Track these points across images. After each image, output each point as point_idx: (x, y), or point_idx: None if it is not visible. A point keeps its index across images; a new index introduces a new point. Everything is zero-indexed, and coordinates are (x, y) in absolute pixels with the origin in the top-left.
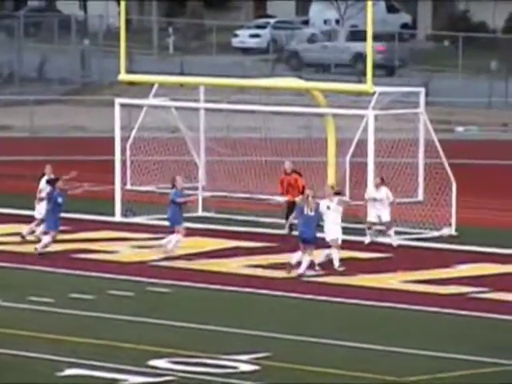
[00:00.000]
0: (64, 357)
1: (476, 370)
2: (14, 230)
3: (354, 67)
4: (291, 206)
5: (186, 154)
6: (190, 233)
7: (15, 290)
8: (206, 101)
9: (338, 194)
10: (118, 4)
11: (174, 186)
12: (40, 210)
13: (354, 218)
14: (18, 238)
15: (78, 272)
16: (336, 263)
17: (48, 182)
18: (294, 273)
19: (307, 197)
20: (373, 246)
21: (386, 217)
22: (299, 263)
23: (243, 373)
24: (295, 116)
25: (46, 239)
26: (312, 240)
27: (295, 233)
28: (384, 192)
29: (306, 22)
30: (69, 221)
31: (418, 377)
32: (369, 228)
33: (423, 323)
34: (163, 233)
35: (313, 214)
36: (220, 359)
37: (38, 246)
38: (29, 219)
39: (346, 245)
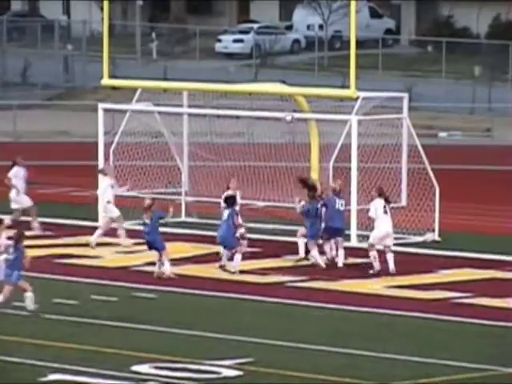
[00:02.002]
0: (47, 362)
1: (461, 375)
2: None
3: None
4: None
5: (169, 159)
6: (173, 238)
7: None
8: (190, 106)
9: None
10: (102, 9)
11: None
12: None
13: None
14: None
15: (61, 277)
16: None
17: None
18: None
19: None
20: (356, 252)
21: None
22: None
23: (226, 378)
24: (279, 121)
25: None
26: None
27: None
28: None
29: (290, 27)
30: (52, 226)
31: (403, 382)
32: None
33: (407, 329)
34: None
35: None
36: (203, 364)
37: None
38: (15, 224)
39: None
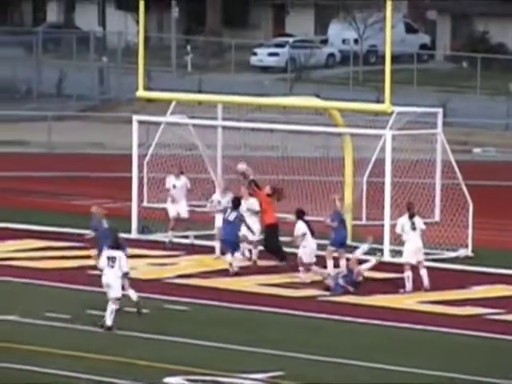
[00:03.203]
0: (81, 373)
1: None
2: (28, 246)
3: None
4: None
5: (203, 171)
6: (206, 250)
7: (32, 307)
8: (224, 119)
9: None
10: (137, 21)
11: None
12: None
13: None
14: (33, 254)
15: (94, 289)
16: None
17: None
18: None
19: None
20: (390, 267)
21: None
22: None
23: None
24: (313, 135)
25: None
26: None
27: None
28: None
29: (325, 42)
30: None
31: None
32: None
33: (439, 344)
34: (179, 250)
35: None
36: (234, 377)
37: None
38: (44, 235)
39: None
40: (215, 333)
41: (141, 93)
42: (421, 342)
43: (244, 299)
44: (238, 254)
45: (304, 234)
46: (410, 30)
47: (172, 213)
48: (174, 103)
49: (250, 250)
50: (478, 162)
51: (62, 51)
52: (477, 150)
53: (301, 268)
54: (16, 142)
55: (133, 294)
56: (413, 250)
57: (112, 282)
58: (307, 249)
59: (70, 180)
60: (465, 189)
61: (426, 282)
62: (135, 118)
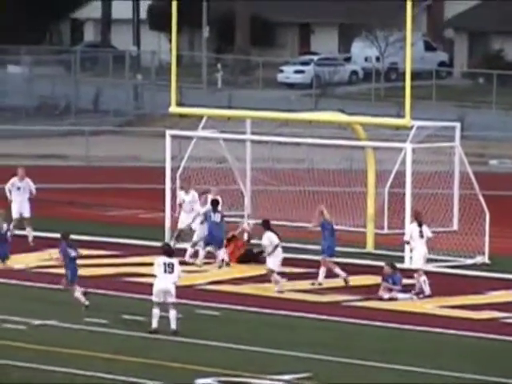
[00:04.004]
0: (116, 375)
1: None
2: None
3: None
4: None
5: (232, 183)
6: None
7: (72, 312)
8: (253, 133)
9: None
10: (170, 41)
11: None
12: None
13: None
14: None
15: (130, 295)
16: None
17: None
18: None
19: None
20: (409, 273)
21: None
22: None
23: None
24: (337, 148)
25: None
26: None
27: None
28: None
29: (348, 59)
30: (121, 246)
31: None
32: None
33: (458, 346)
34: (210, 258)
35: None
36: (263, 379)
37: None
38: (81, 244)
39: (378, 269)
40: (244, 336)
41: (173, 108)
42: (441, 345)
43: (272, 304)
44: (223, 250)
45: (276, 246)
46: (428, 48)
47: (180, 225)
48: (205, 118)
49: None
50: (494, 174)
51: (98, 69)
52: (493, 162)
53: (273, 278)
54: (55, 155)
55: None
56: (422, 256)
57: (170, 287)
58: (277, 258)
59: (105, 191)
60: (482, 199)
61: (426, 287)
62: (168, 132)
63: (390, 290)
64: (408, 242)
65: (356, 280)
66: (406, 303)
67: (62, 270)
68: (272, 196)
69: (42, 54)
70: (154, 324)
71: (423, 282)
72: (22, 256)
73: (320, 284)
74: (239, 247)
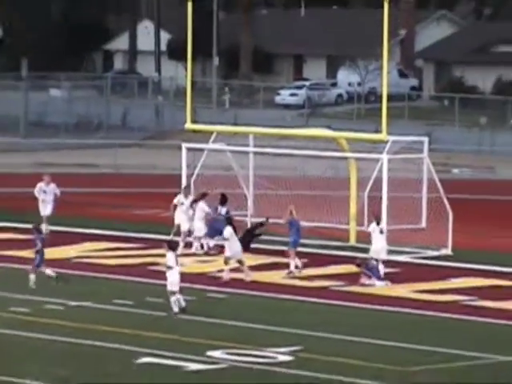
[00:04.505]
0: (140, 348)
1: (470, 362)
2: (99, 247)
3: None
4: None
5: (237, 188)
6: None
7: (103, 295)
8: (255, 146)
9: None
10: (186, 68)
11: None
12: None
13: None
14: (104, 253)
15: (152, 281)
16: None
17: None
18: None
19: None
20: (386, 264)
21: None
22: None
23: (281, 362)
24: (325, 159)
25: None
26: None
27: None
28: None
29: (335, 84)
30: (144, 240)
31: (425, 366)
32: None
33: (426, 324)
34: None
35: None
36: (263, 351)
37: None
38: (112, 238)
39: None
40: (248, 316)
41: (189, 125)
42: (410, 323)
43: (271, 289)
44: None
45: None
46: (402, 75)
47: (176, 221)
48: (214, 134)
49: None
50: (456, 180)
51: (126, 92)
52: (455, 171)
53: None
54: (89, 164)
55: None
56: (378, 249)
57: (179, 277)
58: (232, 248)
59: (131, 195)
60: (445, 201)
61: (382, 272)
62: (184, 145)
63: (370, 277)
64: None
65: (341, 269)
66: (383, 288)
67: (99, 261)
68: (270, 199)
69: (79, 80)
70: (176, 308)
71: (377, 268)
72: (60, 249)
73: (297, 267)
74: None
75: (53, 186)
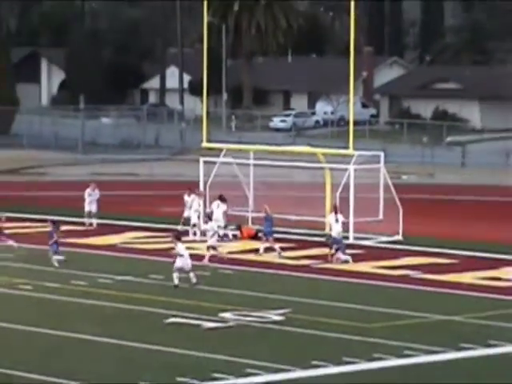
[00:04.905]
0: (169, 310)
1: (414, 320)
2: (138, 235)
3: None
4: None
5: (241, 190)
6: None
7: (141, 271)
8: (255, 159)
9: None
10: (202, 101)
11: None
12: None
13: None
14: (142, 240)
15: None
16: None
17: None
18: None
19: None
20: (353, 246)
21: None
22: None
23: (275, 321)
24: (306, 168)
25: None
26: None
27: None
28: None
29: (314, 113)
30: (173, 230)
31: (381, 323)
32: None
33: (381, 293)
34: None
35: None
36: (260, 312)
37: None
38: (147, 229)
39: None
40: (250, 286)
41: (205, 144)
42: (371, 291)
43: (268, 266)
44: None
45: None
46: (364, 106)
47: (185, 214)
48: (224, 150)
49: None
50: (404, 184)
51: (157, 119)
52: (404, 177)
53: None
54: (130, 173)
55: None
56: (336, 234)
57: (190, 262)
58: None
59: (163, 196)
60: (397, 200)
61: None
62: (201, 159)
63: (337, 250)
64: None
65: (319, 251)
66: (351, 264)
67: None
68: (266, 199)
69: (123, 110)
70: (177, 281)
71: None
72: (109, 237)
73: (280, 253)
74: (250, 231)
75: (97, 191)
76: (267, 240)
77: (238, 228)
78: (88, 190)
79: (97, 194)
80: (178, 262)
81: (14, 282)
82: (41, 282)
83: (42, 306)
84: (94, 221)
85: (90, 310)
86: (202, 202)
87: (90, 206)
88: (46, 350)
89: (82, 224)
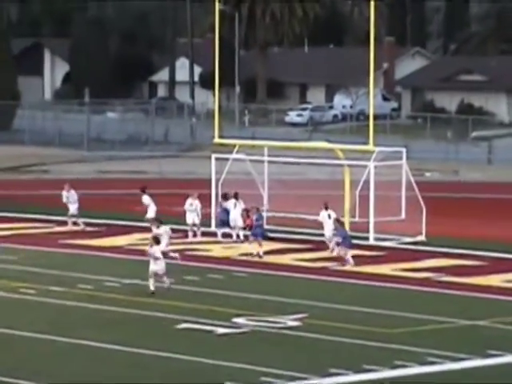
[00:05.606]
0: (181, 315)
1: (439, 325)
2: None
3: None
4: None
5: (255, 189)
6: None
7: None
8: (269, 155)
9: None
10: (213, 95)
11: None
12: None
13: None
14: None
15: (188, 263)
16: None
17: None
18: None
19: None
20: (373, 247)
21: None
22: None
23: (291, 327)
24: (324, 166)
25: None
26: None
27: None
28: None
29: (332, 107)
30: (183, 231)
31: (402, 329)
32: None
33: (403, 297)
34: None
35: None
36: (275, 317)
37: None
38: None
39: (352, 245)
40: (265, 290)
41: (216, 140)
42: (392, 295)
43: (282, 269)
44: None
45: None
46: (385, 99)
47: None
48: (237, 147)
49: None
50: (428, 182)
51: (167, 114)
52: (427, 174)
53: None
54: (138, 171)
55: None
56: (329, 231)
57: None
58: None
59: (172, 195)
60: (420, 198)
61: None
62: (213, 155)
63: (338, 245)
64: (321, 222)
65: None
66: (371, 267)
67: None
68: (281, 197)
69: (130, 105)
70: (152, 288)
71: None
72: (115, 238)
73: (260, 256)
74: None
75: (73, 191)
76: (257, 241)
77: (246, 212)
78: (64, 193)
79: (73, 194)
80: (153, 266)
81: (15, 286)
82: (45, 285)
83: (46, 311)
84: (80, 221)
85: (97, 315)
86: (197, 202)
87: (72, 207)
88: (51, 358)
89: (90, 225)
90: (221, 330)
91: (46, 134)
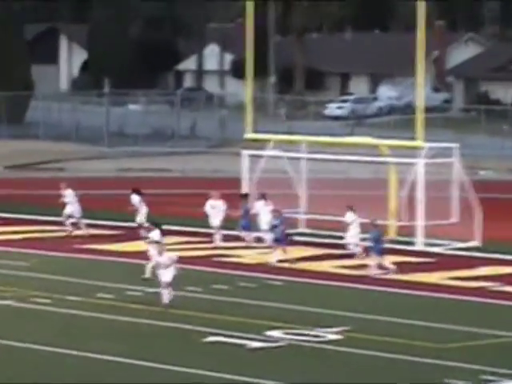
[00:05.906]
0: (208, 328)
1: (497, 339)
2: (172, 241)
3: None
4: None
5: (291, 188)
6: (295, 243)
7: (176, 283)
8: (308, 152)
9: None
10: (246, 85)
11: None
12: None
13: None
14: (176, 246)
15: (217, 270)
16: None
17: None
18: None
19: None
20: (421, 253)
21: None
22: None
23: (331, 340)
24: (368, 163)
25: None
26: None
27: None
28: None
29: (376, 98)
30: (209, 234)
31: (456, 344)
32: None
33: (455, 308)
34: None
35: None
36: (315, 330)
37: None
38: (179, 233)
39: (398, 251)
40: (302, 300)
41: (249, 135)
42: (444, 306)
43: (321, 277)
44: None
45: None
46: (435, 89)
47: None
48: (272, 142)
49: None
50: (482, 181)
51: (194, 106)
52: (482, 173)
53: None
54: (162, 169)
55: None
56: (355, 235)
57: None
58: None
59: (198, 195)
60: (474, 199)
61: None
62: (244, 152)
63: (368, 253)
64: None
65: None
66: (420, 275)
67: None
68: (321, 198)
69: (153, 96)
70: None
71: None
72: (134, 243)
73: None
74: None
75: (70, 191)
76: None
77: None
78: (62, 192)
79: (71, 194)
80: (165, 275)
81: (27, 295)
82: (61, 294)
83: (63, 323)
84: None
85: (118, 328)
86: (220, 203)
87: (70, 208)
88: (67, 374)
89: (109, 228)
90: (253, 344)
91: (62, 127)
